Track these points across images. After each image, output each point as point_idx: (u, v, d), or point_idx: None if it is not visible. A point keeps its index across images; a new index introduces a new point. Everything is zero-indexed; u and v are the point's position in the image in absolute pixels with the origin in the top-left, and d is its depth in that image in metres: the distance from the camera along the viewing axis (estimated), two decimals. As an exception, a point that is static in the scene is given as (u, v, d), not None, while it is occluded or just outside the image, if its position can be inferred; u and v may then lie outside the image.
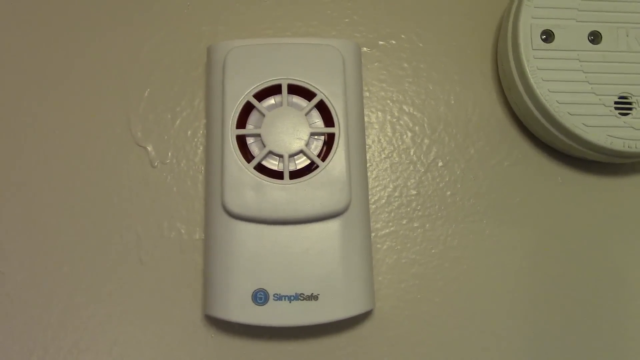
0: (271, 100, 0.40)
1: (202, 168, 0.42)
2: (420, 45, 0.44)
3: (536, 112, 0.40)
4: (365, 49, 0.44)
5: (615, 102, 0.40)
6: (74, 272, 0.41)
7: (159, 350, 0.40)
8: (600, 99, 0.40)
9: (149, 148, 0.42)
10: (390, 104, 0.44)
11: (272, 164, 0.39)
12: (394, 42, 0.44)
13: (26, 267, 0.41)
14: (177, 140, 0.43)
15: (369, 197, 0.42)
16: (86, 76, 0.43)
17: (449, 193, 0.43)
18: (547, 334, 0.41)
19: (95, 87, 0.43)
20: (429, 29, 0.45)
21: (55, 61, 0.43)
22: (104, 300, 0.41)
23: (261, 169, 0.38)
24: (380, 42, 0.44)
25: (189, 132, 0.43)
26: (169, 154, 0.42)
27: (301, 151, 0.39)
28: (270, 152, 0.38)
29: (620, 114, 0.40)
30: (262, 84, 0.39)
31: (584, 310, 0.41)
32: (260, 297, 0.37)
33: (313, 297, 0.37)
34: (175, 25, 0.44)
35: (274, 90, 0.39)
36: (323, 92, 0.39)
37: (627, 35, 0.40)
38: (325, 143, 0.39)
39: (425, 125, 0.43)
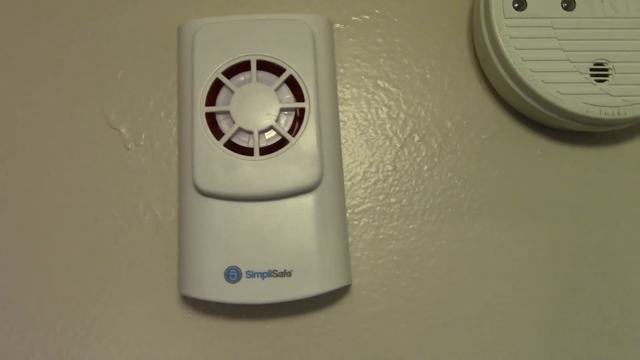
0: (241, 77, 0.39)
1: (176, 149, 0.42)
2: (395, 19, 0.44)
3: (510, 82, 0.40)
4: (338, 25, 0.44)
5: (591, 69, 0.39)
6: (50, 256, 0.41)
7: (136, 331, 0.40)
8: (575, 66, 0.39)
9: (123, 130, 0.42)
10: (365, 79, 0.43)
11: (243, 140, 0.38)
12: (367, 17, 0.44)
13: (1, 252, 0.41)
14: (150, 122, 0.42)
15: (345, 174, 0.41)
16: (58, 59, 0.43)
17: (425, 167, 0.42)
18: (527, 305, 0.40)
19: (68, 70, 0.43)
20: (403, 3, 0.44)
21: (26, 45, 0.43)
22: (81, 283, 0.40)
23: (231, 145, 0.38)
24: (354, 18, 0.44)
25: (163, 113, 0.42)
26: (143, 135, 0.42)
27: (271, 127, 0.38)
28: (240, 129, 0.38)
29: (596, 80, 0.39)
30: (231, 60, 0.39)
31: (566, 282, 0.41)
32: (232, 274, 0.37)
33: (286, 274, 0.37)
34: (148, 5, 0.44)
35: (243, 66, 0.39)
36: (293, 67, 0.39)
37: (602, 1, 0.40)
38: (296, 118, 0.39)
39: (401, 100, 0.43)
